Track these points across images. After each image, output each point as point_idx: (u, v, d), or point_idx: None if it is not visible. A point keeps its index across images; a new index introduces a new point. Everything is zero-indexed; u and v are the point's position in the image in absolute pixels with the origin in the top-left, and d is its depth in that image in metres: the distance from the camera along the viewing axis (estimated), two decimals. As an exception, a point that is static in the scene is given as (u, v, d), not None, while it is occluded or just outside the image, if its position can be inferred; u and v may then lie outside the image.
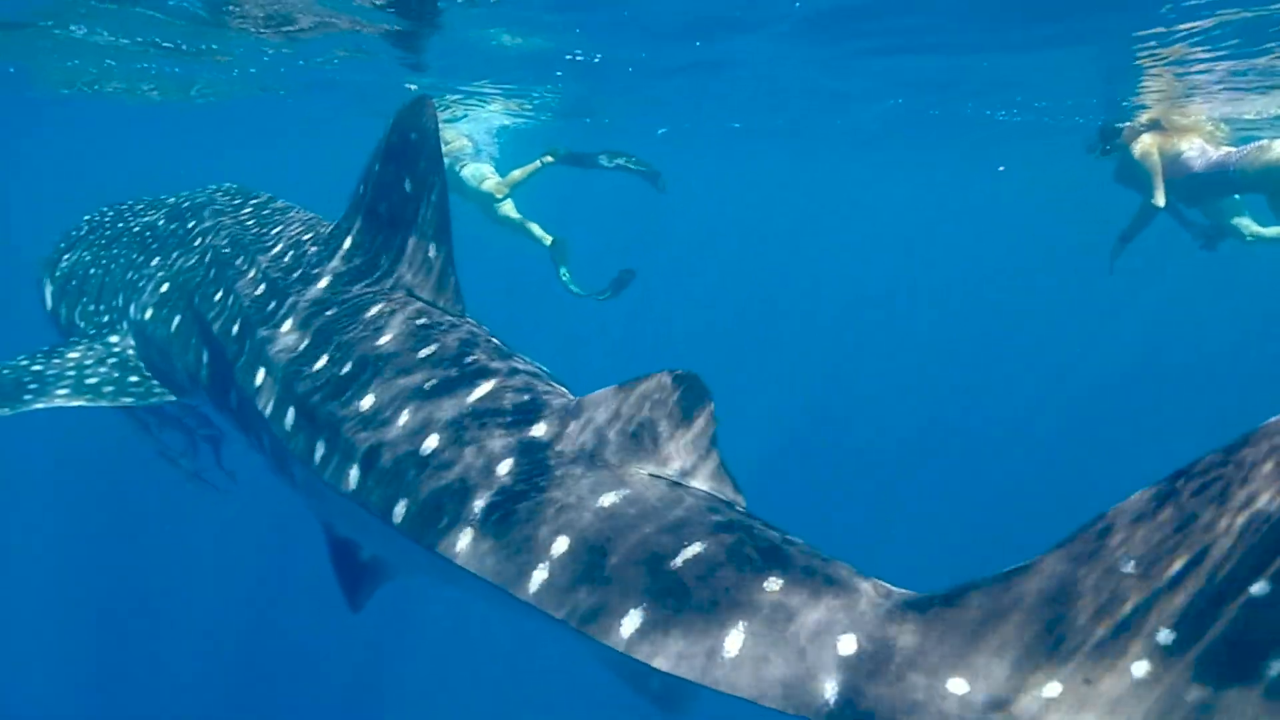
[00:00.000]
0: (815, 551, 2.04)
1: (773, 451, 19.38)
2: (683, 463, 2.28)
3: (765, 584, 1.92)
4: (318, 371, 3.01)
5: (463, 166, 11.97)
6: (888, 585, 1.93)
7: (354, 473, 2.62)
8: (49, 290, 5.80)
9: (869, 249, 40.61)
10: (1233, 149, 8.62)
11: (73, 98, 14.08)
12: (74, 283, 5.50)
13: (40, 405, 4.15)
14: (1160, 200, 8.62)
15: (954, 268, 39.19)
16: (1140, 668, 1.55)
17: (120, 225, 5.84)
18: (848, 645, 1.79)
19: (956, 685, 1.67)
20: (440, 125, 13.87)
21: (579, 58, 10.35)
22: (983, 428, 22.26)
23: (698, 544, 2.02)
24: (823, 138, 18.99)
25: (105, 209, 6.27)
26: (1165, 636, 1.53)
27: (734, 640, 1.85)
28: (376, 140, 3.31)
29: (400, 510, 2.44)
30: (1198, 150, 8.68)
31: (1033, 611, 1.67)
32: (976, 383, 25.74)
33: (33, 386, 4.27)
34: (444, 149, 11.51)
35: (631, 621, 1.94)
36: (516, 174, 11.36)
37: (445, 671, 12.20)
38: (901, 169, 25.40)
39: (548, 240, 11.12)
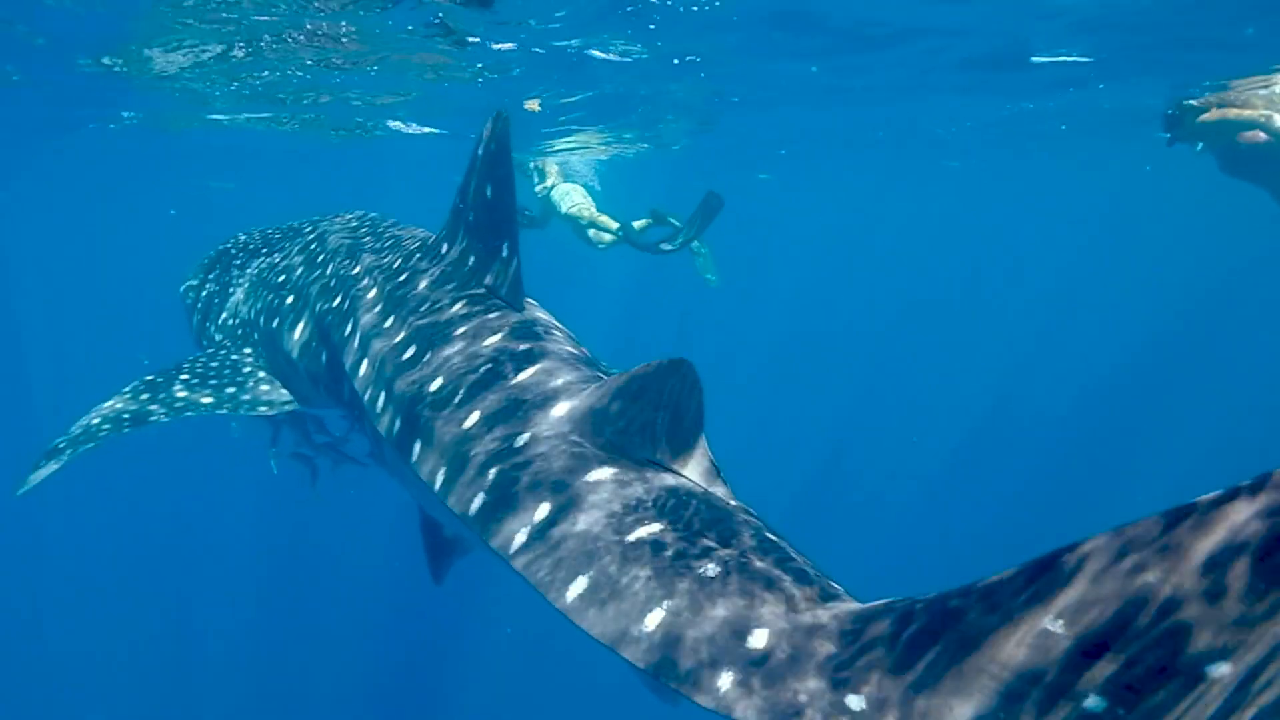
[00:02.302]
0: (776, 551, 2.10)
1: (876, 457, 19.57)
2: (672, 449, 2.41)
3: (701, 569, 2.03)
4: (403, 362, 3.33)
5: (553, 189, 12.53)
6: (835, 591, 1.97)
7: (416, 447, 2.93)
8: (192, 306, 6.40)
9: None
10: None
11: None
12: (214, 300, 6.04)
13: (190, 414, 4.54)
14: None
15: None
16: None
17: (254, 247, 6.38)
18: (758, 641, 1.85)
19: (855, 702, 1.69)
20: (544, 158, 14.38)
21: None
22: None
23: (655, 525, 2.18)
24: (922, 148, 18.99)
25: (241, 234, 6.83)
26: (1094, 703, 1.42)
27: (654, 618, 1.97)
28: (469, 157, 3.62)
29: (439, 478, 2.73)
30: None
31: (950, 648, 1.62)
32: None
33: (182, 395, 4.67)
34: (545, 181, 11.92)
35: (577, 588, 2.12)
36: (603, 219, 11.67)
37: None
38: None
39: (620, 231, 11.24)
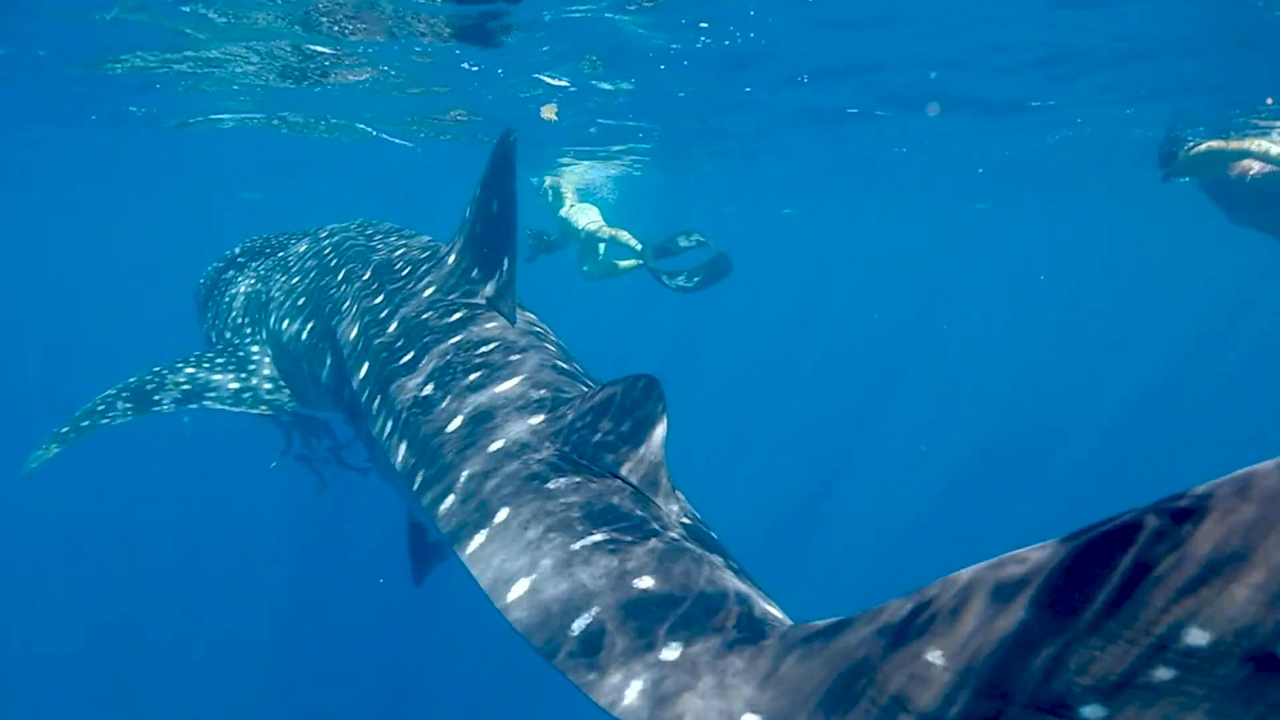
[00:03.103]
0: (712, 570, 2.14)
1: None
2: (633, 461, 2.46)
3: (636, 582, 2.10)
4: (398, 368, 3.42)
5: (569, 208, 12.66)
6: (763, 613, 2.00)
7: (401, 450, 3.03)
8: (204, 305, 6.50)
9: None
10: None
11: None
12: (224, 299, 6.14)
13: (193, 407, 4.65)
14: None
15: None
16: None
17: (266, 250, 6.48)
18: (670, 654, 1.91)
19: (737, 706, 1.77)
20: (559, 174, 14.59)
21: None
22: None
23: (601, 533, 2.26)
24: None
25: (254, 237, 6.94)
26: None
27: (582, 620, 2.05)
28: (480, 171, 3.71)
29: (417, 480, 2.81)
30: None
31: (836, 673, 1.64)
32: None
33: (186, 388, 4.78)
34: (565, 205, 12.06)
35: (519, 588, 2.20)
36: (615, 232, 11.75)
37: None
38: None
39: (639, 249, 11.25)
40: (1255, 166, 7.65)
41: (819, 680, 1.67)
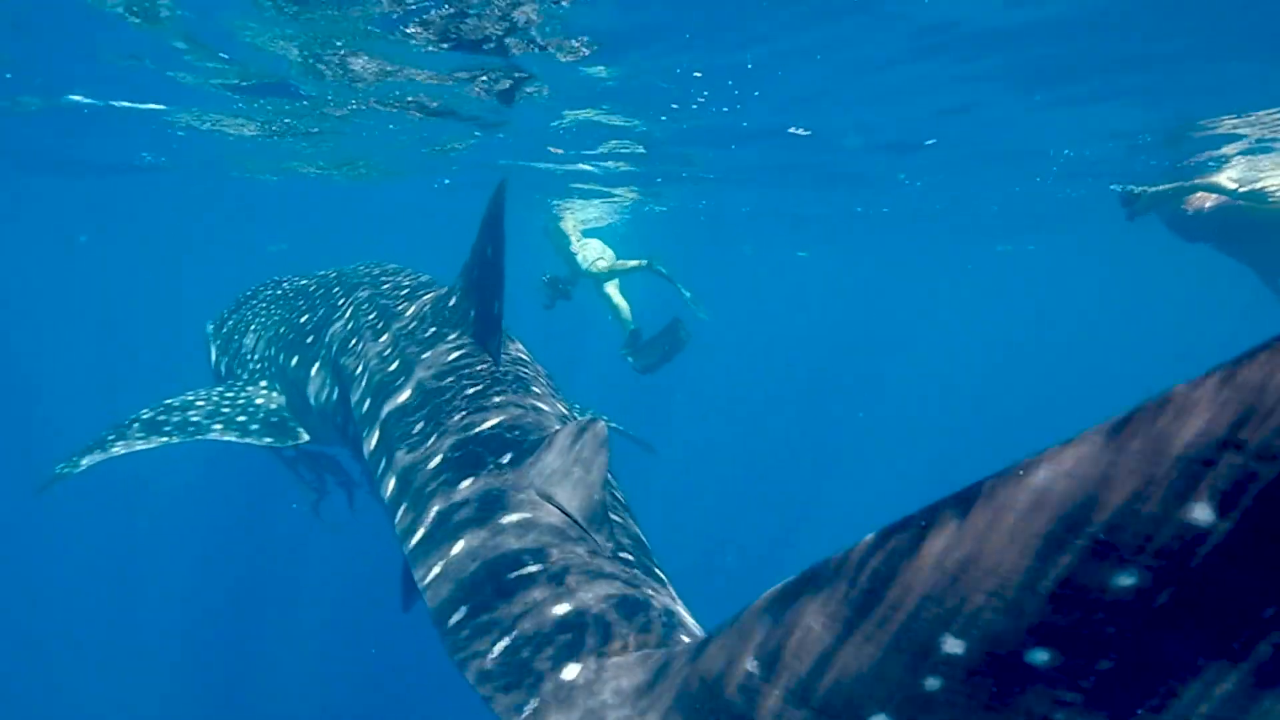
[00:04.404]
0: (627, 593, 2.34)
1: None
2: (577, 497, 2.68)
3: (553, 609, 2.30)
4: (396, 404, 3.64)
5: (576, 243, 12.98)
6: (669, 631, 2.18)
7: (390, 482, 3.25)
8: (214, 343, 6.71)
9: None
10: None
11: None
12: (235, 337, 6.36)
13: (200, 438, 4.80)
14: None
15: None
16: None
17: (277, 292, 6.71)
18: (570, 673, 2.09)
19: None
20: (563, 212, 14.82)
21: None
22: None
23: (535, 565, 2.46)
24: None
25: (269, 280, 7.19)
26: None
27: (499, 646, 2.25)
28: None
29: (398, 513, 3.05)
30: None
31: (687, 684, 1.76)
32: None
33: (196, 420, 4.95)
34: (572, 245, 12.41)
35: (461, 613, 2.42)
36: (619, 263, 12.27)
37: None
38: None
39: (629, 326, 11.82)
40: (1209, 200, 8.35)
41: (679, 696, 1.78)
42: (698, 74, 8.02)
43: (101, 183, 15.74)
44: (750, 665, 1.55)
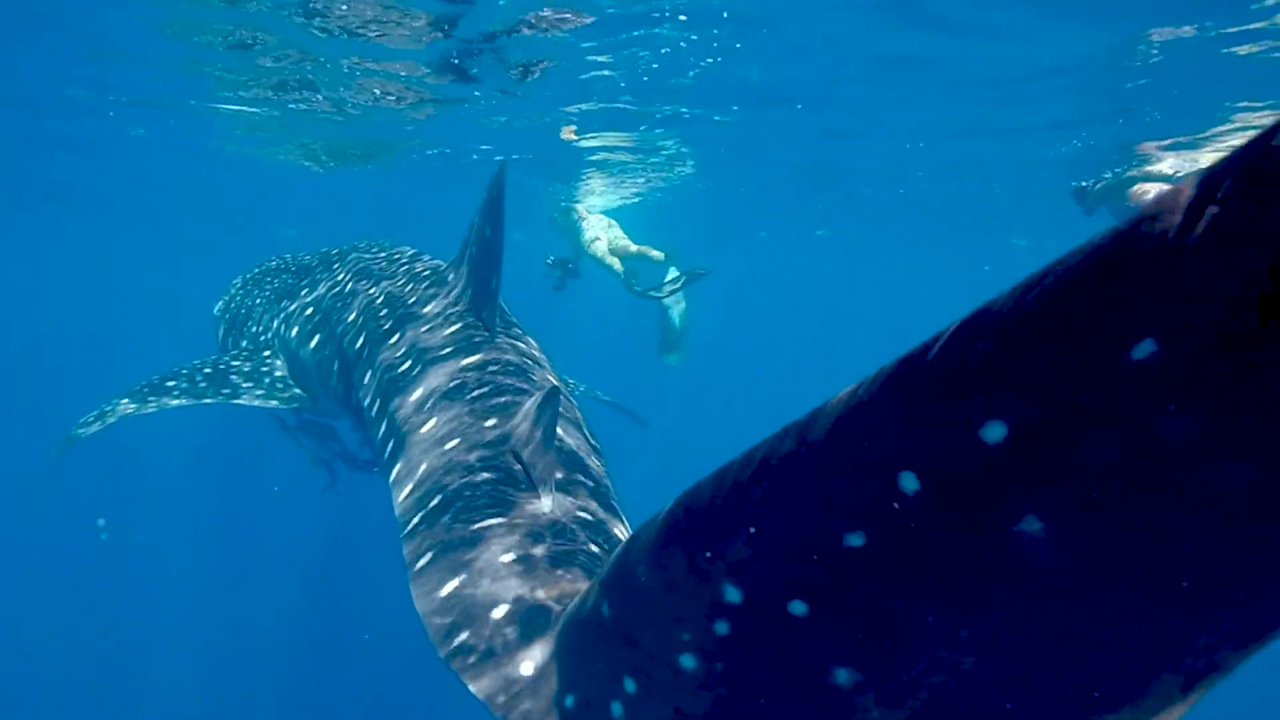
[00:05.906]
0: (578, 538, 2.58)
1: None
2: (539, 460, 2.84)
3: (536, 594, 2.40)
4: (396, 376, 3.79)
5: (588, 233, 12.72)
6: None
7: (389, 447, 3.43)
8: (221, 316, 6.92)
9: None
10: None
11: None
12: (241, 310, 6.57)
13: (208, 401, 5.01)
14: None
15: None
16: None
17: (281, 267, 6.91)
18: (530, 659, 2.19)
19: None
20: (574, 201, 14.56)
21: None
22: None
23: (512, 552, 2.57)
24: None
25: (273, 258, 7.37)
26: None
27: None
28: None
29: (393, 475, 3.24)
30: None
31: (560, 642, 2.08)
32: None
33: (203, 385, 5.16)
34: (585, 233, 12.19)
35: (443, 589, 2.51)
36: (635, 248, 12.00)
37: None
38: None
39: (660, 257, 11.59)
40: (1152, 190, 8.62)
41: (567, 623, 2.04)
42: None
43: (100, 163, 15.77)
44: (606, 610, 1.80)
